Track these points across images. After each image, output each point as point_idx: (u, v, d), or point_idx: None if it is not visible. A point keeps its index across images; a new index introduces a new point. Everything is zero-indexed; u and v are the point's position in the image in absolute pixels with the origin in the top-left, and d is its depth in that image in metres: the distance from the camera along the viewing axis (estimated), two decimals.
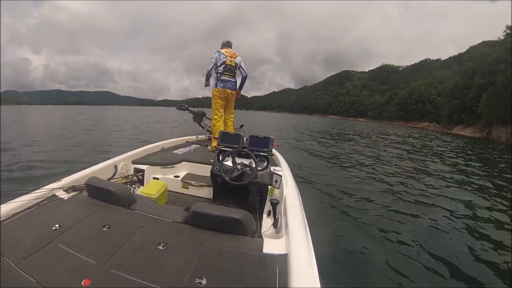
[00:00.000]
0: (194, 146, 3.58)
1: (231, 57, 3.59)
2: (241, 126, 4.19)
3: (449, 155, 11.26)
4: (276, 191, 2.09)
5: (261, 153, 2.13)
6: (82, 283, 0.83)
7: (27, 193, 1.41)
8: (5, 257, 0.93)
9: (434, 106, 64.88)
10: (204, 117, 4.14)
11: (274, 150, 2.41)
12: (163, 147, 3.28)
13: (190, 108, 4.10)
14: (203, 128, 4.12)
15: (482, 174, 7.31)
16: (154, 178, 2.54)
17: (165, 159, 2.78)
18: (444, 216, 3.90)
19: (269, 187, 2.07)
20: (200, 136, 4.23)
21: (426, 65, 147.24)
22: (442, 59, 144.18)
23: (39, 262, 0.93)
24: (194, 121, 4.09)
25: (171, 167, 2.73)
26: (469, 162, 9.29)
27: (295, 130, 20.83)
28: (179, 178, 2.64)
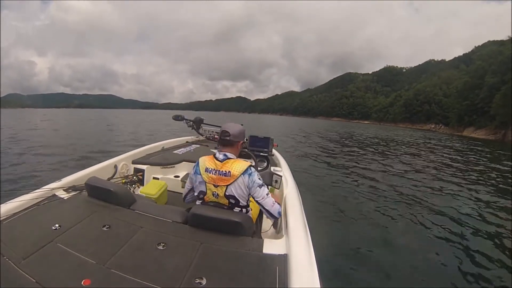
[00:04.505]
0: (194, 146, 3.56)
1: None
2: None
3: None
4: (276, 191, 2.06)
5: (261, 153, 2.14)
6: (82, 283, 0.83)
7: (27, 193, 1.40)
8: (5, 257, 0.92)
9: (441, 107, 63.79)
10: (202, 124, 4.02)
11: (274, 150, 2.42)
12: (163, 147, 3.27)
13: (186, 118, 4.03)
14: (201, 135, 4.03)
15: None
16: (154, 178, 2.53)
17: (165, 159, 2.76)
18: (448, 220, 3.74)
19: (269, 187, 2.03)
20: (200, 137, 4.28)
21: (430, 66, 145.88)
22: (447, 59, 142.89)
23: (39, 262, 0.92)
24: (192, 129, 4.00)
25: (171, 167, 2.72)
26: None
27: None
28: (179, 178, 2.61)
